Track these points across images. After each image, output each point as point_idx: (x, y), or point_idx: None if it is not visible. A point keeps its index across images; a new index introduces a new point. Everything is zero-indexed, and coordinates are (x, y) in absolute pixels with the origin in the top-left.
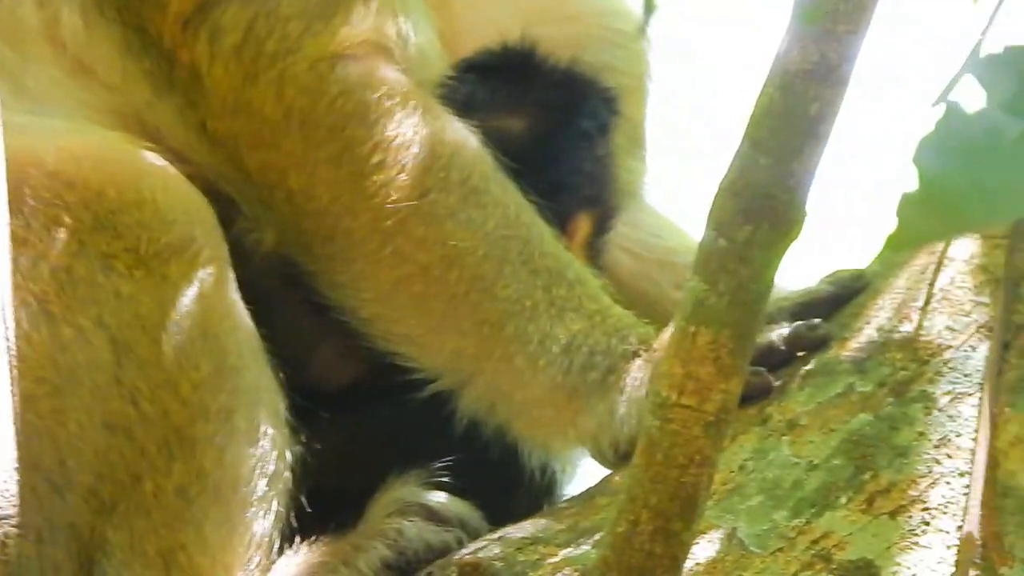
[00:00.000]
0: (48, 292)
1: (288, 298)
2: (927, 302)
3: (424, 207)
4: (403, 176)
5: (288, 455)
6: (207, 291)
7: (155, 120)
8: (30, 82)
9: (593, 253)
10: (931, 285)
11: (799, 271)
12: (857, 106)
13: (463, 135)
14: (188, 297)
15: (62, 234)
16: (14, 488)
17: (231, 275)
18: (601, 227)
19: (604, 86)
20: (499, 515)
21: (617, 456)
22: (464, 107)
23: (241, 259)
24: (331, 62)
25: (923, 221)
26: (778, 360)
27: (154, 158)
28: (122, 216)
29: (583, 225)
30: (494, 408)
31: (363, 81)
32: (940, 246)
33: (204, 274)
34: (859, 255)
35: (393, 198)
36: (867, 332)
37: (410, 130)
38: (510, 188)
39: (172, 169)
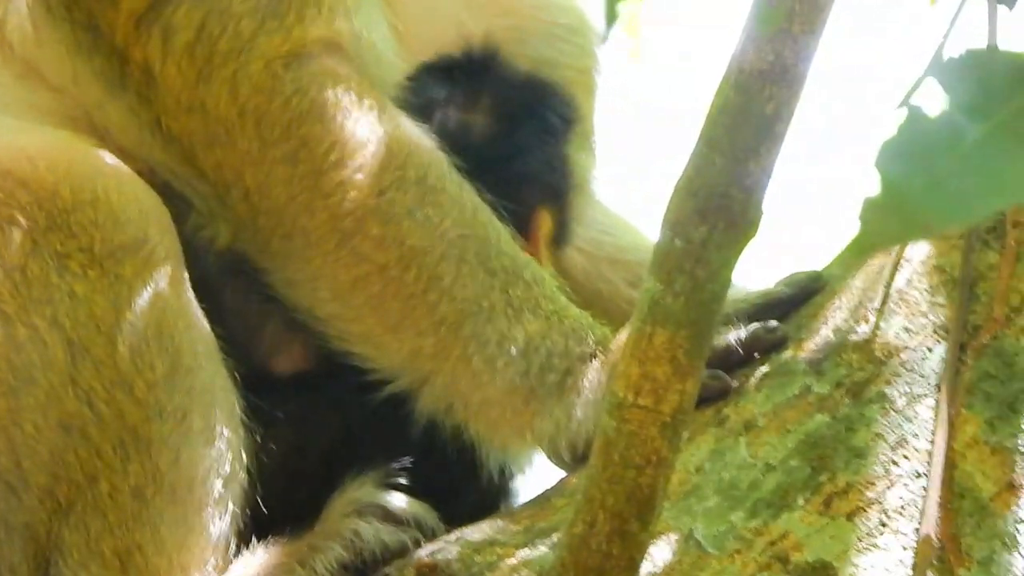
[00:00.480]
0: (2, 292)
1: (235, 284)
2: (884, 303)
3: (382, 206)
4: (360, 175)
5: (243, 455)
6: (161, 291)
7: (105, 121)
8: None
9: (556, 249)
10: (888, 286)
11: (756, 273)
12: (817, 108)
13: (418, 135)
14: (143, 297)
15: (16, 234)
16: None
17: (185, 274)
18: (562, 222)
19: (558, 82)
20: (455, 516)
21: (574, 459)
22: (421, 108)
23: (190, 252)
24: (285, 60)
25: (885, 224)
26: (735, 362)
27: (107, 157)
28: (76, 215)
29: (545, 221)
30: (452, 408)
31: (318, 80)
32: (895, 249)
33: (158, 274)
34: (816, 255)
35: (350, 196)
36: (824, 333)
37: (366, 129)
38: (466, 187)
39: (126, 168)
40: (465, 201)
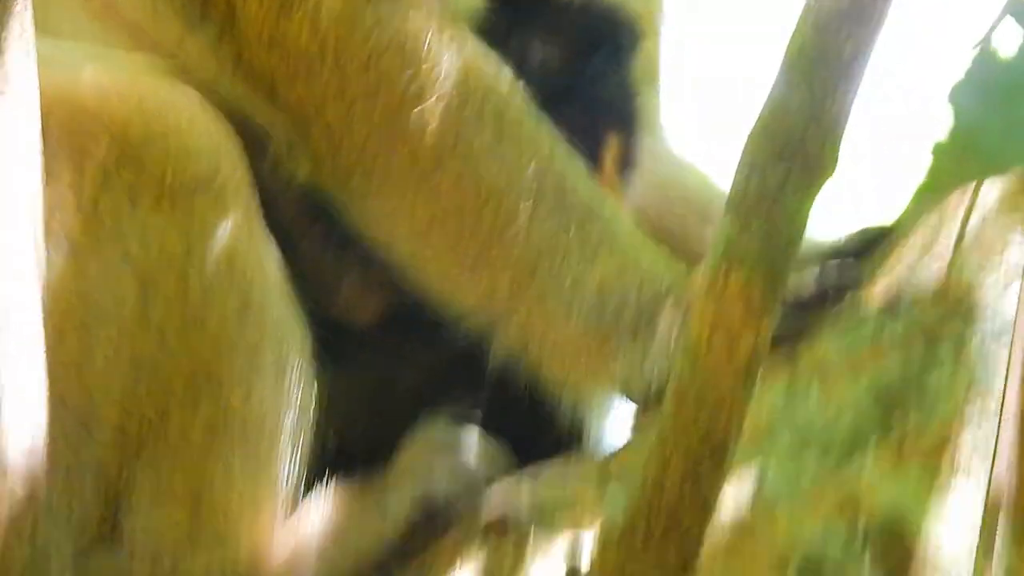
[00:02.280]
0: (74, 226)
1: (311, 233)
2: (958, 243)
3: (461, 143)
4: (440, 109)
5: (315, 390)
6: (233, 225)
7: (185, 56)
8: (52, 26)
9: (624, 176)
10: (962, 226)
11: (830, 219)
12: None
13: (497, 68)
14: (214, 231)
15: (88, 167)
16: (43, 421)
17: (257, 208)
18: (630, 149)
19: (625, 14)
20: (530, 456)
21: (650, 398)
22: (491, 38)
23: (265, 193)
24: None
25: (958, 164)
26: (810, 302)
27: (180, 89)
28: (148, 148)
29: (613, 147)
30: (526, 349)
31: (399, 12)
32: (971, 187)
33: (230, 208)
34: (891, 201)
35: (430, 131)
36: (898, 274)
37: (446, 62)
38: (544, 123)
39: (198, 100)
40: (543, 136)
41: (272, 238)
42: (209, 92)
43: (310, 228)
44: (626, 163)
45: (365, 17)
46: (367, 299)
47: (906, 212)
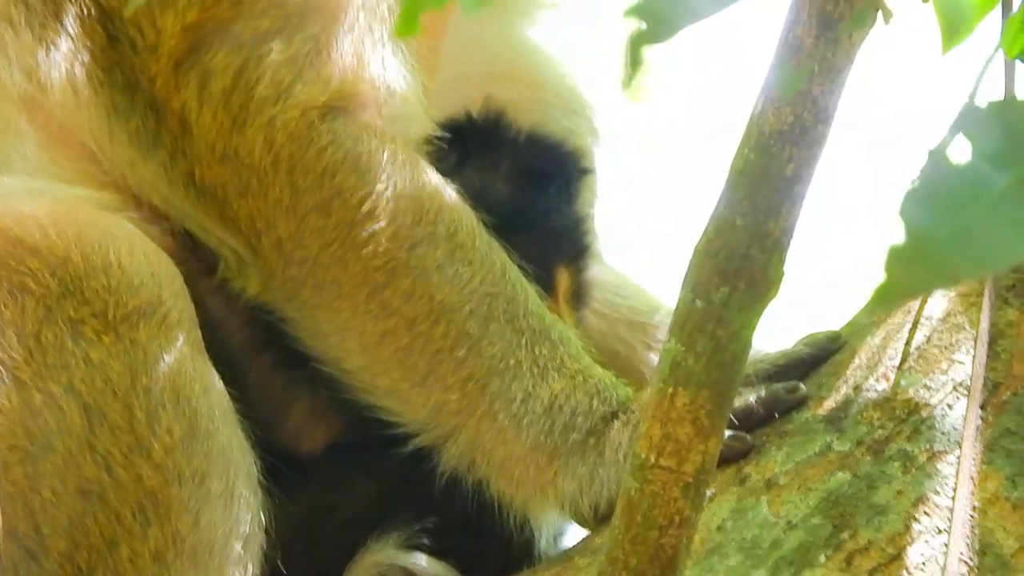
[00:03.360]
0: (17, 359)
1: (259, 359)
2: (903, 360)
3: (412, 260)
4: (393, 227)
5: (262, 517)
6: (176, 354)
7: (137, 180)
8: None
9: (576, 307)
10: (907, 344)
11: (777, 332)
12: (839, 162)
13: (448, 191)
14: (158, 361)
15: (29, 301)
16: None
17: (199, 336)
18: (581, 281)
19: (573, 147)
20: (484, 567)
21: (596, 518)
22: (443, 167)
23: (210, 321)
24: (322, 111)
25: (910, 273)
26: (756, 421)
27: (118, 220)
28: (89, 281)
29: (564, 279)
30: (474, 464)
31: (353, 132)
32: (916, 304)
33: (173, 336)
34: (838, 312)
35: (382, 249)
36: (844, 391)
37: (399, 182)
38: (495, 246)
39: (137, 231)
40: (494, 259)
41: (219, 367)
42: (158, 218)
43: (258, 357)
44: (577, 294)
45: (321, 134)
46: (313, 428)
47: (855, 319)
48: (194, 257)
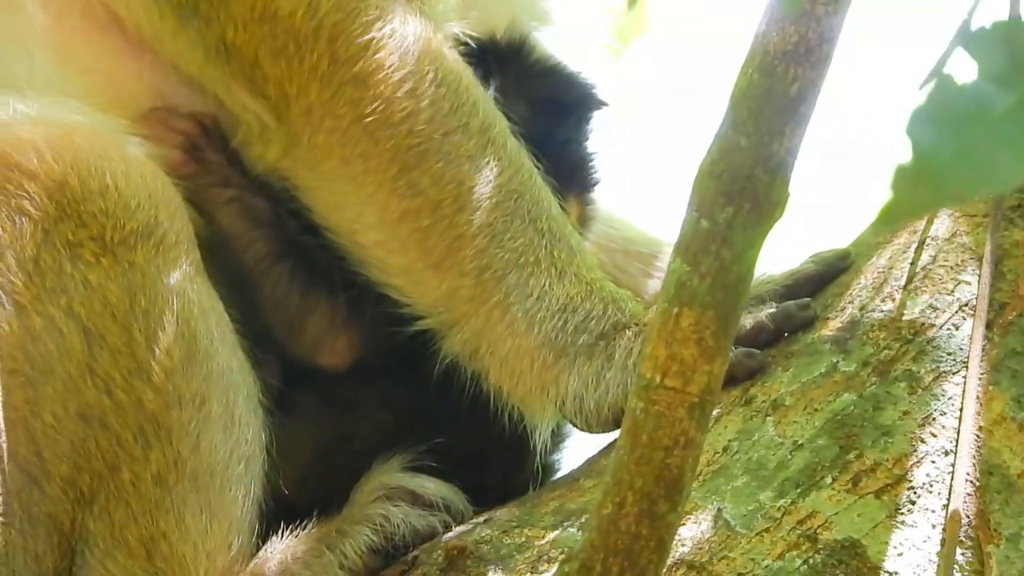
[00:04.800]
0: (16, 283)
1: (274, 271)
2: (909, 281)
3: (446, 145)
4: (431, 111)
5: (263, 438)
6: (175, 276)
7: (176, 49)
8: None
9: (583, 234)
10: (913, 264)
11: (783, 251)
12: (845, 82)
13: (482, 89)
14: (156, 283)
15: (27, 225)
16: None
17: (198, 257)
18: (588, 211)
19: (587, 80)
20: (485, 500)
21: (598, 423)
22: None
23: (221, 235)
24: None
25: (915, 192)
26: (766, 340)
27: (116, 143)
28: (86, 204)
29: (574, 208)
30: (476, 354)
31: (401, 12)
32: (922, 225)
33: (171, 259)
34: (843, 233)
35: (418, 129)
36: (850, 311)
37: (441, 68)
38: (523, 151)
39: (134, 152)
40: (523, 161)
41: (231, 282)
42: (192, 85)
43: (274, 268)
44: (585, 222)
45: (368, 6)
46: (331, 340)
47: (860, 238)
48: (204, 170)
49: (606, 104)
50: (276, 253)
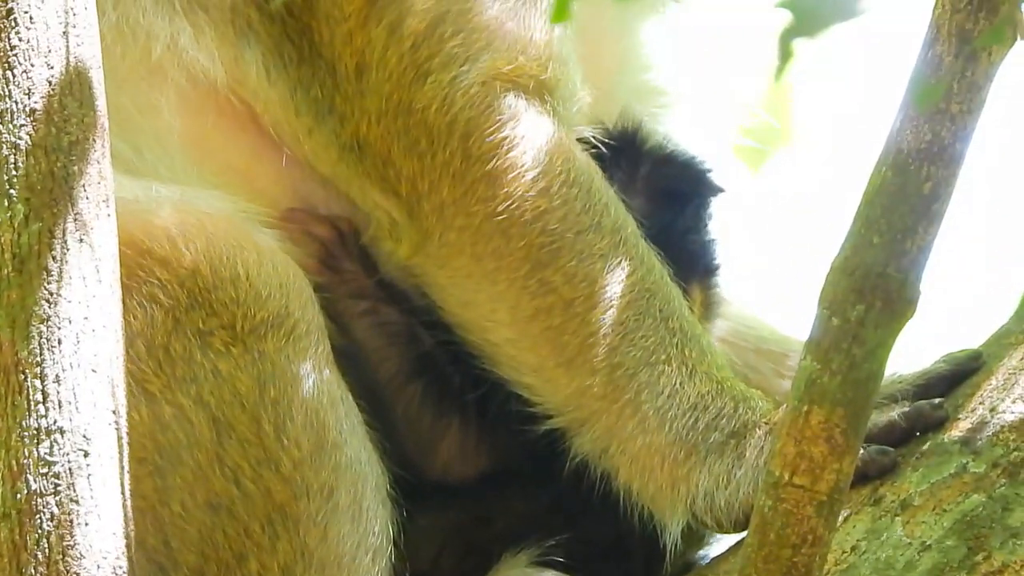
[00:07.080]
0: (147, 371)
1: (407, 391)
2: None
3: (579, 244)
4: (563, 210)
5: (391, 530)
6: (304, 366)
7: (311, 146)
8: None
9: (707, 325)
10: None
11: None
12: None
13: (610, 190)
14: (286, 373)
15: (158, 313)
16: (125, 565)
17: (328, 348)
18: (710, 300)
19: (707, 167)
20: None
21: (728, 521)
22: None
23: (355, 348)
24: (505, 83)
25: None
26: (897, 439)
27: (248, 232)
28: (217, 293)
29: (697, 295)
30: (607, 452)
31: (533, 111)
32: None
33: (301, 348)
34: (975, 332)
35: (551, 228)
36: (980, 412)
37: (573, 169)
38: (653, 253)
39: (266, 241)
40: (653, 263)
41: (365, 398)
42: (324, 185)
43: (405, 387)
44: (708, 308)
45: (502, 106)
46: (463, 462)
47: (992, 338)
48: (340, 279)
49: (723, 190)
50: (409, 372)
